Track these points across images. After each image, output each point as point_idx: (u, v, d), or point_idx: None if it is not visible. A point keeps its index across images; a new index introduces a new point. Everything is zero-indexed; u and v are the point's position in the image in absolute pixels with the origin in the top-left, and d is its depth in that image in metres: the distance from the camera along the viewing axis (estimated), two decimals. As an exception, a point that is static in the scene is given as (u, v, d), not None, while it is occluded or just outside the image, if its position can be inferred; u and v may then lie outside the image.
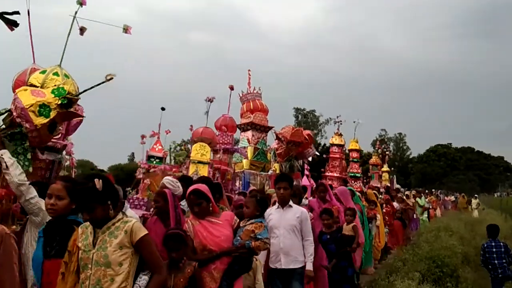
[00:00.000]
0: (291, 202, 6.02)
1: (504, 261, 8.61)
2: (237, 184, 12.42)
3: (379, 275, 8.08)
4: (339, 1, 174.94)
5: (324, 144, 64.70)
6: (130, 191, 9.16)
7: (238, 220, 4.90)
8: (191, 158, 9.66)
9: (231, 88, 12.13)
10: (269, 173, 12.48)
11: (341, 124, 21.82)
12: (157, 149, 9.34)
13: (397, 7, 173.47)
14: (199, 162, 9.45)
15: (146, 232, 3.46)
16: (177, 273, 4.10)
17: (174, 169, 9.12)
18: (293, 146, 12.46)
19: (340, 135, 21.52)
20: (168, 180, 5.42)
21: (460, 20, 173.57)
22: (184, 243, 4.23)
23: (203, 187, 4.73)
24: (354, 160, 23.56)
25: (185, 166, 9.92)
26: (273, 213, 5.94)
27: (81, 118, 6.42)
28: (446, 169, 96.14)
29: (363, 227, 8.93)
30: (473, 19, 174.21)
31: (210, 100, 10.62)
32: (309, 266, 5.81)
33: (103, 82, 5.09)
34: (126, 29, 6.58)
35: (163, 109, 9.76)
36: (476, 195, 35.53)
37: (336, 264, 6.91)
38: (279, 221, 5.85)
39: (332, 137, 21.58)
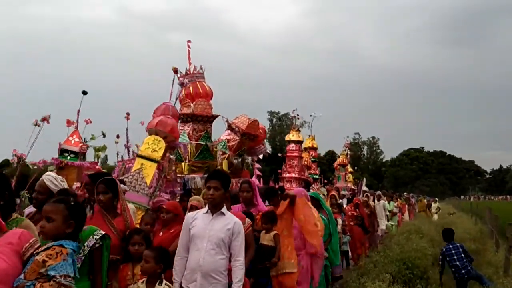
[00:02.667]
0: (224, 208, 4.62)
1: (465, 261, 8.85)
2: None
3: (350, 277, 8.10)
4: (318, 5, 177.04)
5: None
6: (26, 194, 6.87)
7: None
8: (138, 151, 7.78)
9: (175, 71, 9.79)
10: None
11: (297, 118, 20.15)
12: (73, 141, 7.86)
13: (376, 12, 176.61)
14: (147, 158, 7.48)
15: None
16: (136, 264, 4.37)
17: (93, 166, 7.80)
18: (247, 139, 11.24)
19: (298, 130, 19.40)
20: (49, 176, 4.80)
21: (437, 27, 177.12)
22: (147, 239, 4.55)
23: None
24: (312, 159, 21.63)
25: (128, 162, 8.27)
26: (198, 218, 4.58)
27: None
28: (418, 172, 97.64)
29: (332, 235, 7.59)
30: (449, 25, 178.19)
31: (183, 84, 9.01)
32: None
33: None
34: None
35: (84, 93, 8.26)
36: (436, 199, 34.97)
37: (256, 282, 5.67)
38: (204, 231, 4.47)
39: (289, 133, 19.08)
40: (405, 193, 37.50)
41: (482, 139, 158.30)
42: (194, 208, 5.67)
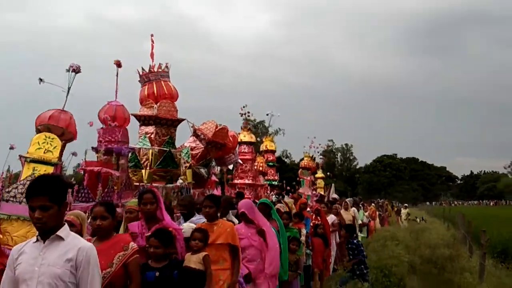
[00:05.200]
0: (61, 230, 3.09)
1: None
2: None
3: (329, 286, 8.11)
4: (291, 15, 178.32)
5: (274, 155, 65.23)
6: None
7: None
8: (27, 155, 6.12)
9: (118, 64, 8.34)
10: (178, 183, 9.05)
11: (248, 116, 17.88)
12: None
13: (347, 22, 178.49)
14: (40, 161, 5.98)
15: None
16: None
17: None
18: (213, 148, 10.30)
19: (249, 130, 17.15)
20: None
21: (407, 36, 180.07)
22: None
23: None
24: (270, 163, 19.28)
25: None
26: (26, 252, 3.09)
27: None
28: (392, 179, 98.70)
29: (282, 249, 6.69)
30: (419, 35, 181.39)
31: (75, 70, 7.12)
32: None
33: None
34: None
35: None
36: (406, 205, 34.26)
37: None
38: (32, 268, 3.00)
39: (239, 133, 16.04)
40: (379, 200, 37.55)
41: (453, 145, 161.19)
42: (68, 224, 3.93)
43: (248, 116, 17.70)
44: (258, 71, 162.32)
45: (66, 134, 6.67)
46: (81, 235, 4.00)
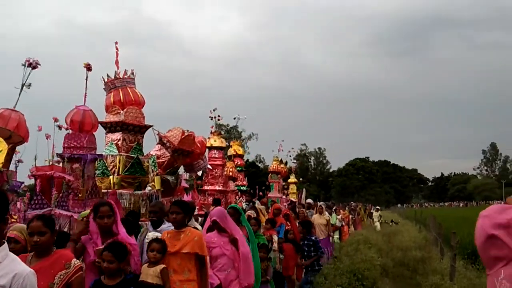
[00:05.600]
0: (2, 251, 2.67)
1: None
2: None
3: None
4: (264, 17, 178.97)
5: (247, 160, 65.19)
6: None
7: None
8: None
9: (88, 67, 7.96)
10: (146, 190, 8.95)
11: (218, 120, 17.36)
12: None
13: (320, 24, 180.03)
14: None
15: None
16: None
17: None
18: (180, 155, 10.07)
19: (219, 134, 16.77)
20: None
21: (379, 40, 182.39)
22: None
23: None
24: (239, 168, 18.78)
25: None
26: None
27: None
28: (364, 182, 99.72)
29: (253, 256, 6.37)
30: (392, 38, 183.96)
31: (31, 64, 6.53)
32: None
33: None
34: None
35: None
36: (378, 207, 34.50)
37: None
38: None
39: (209, 137, 15.71)
40: (352, 203, 37.82)
41: (424, 148, 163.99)
42: (12, 241, 4.15)
43: (218, 119, 17.25)
44: (232, 74, 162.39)
45: (14, 136, 6.10)
46: (27, 252, 3.83)
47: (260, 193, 20.54)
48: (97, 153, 8.02)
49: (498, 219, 1.58)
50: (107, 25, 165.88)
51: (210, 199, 14.10)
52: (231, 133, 71.20)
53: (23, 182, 7.12)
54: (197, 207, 10.36)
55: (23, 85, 6.44)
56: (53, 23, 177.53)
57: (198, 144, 10.69)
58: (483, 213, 1.66)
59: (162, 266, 4.51)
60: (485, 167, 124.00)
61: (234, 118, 21.50)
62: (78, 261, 3.70)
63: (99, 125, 9.19)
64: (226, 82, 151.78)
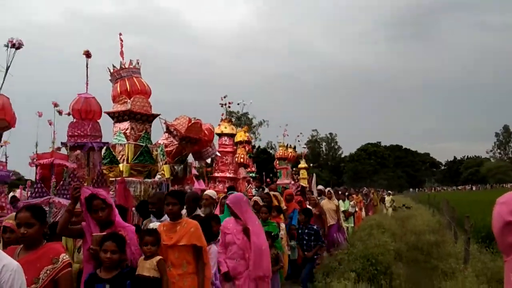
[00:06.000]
0: None
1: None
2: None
3: (316, 277, 8.11)
4: (270, 4, 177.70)
5: (259, 146, 65.30)
6: None
7: None
8: None
9: (87, 54, 7.78)
10: (156, 178, 8.95)
11: (229, 107, 17.04)
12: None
13: (327, 11, 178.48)
14: None
15: None
16: None
17: None
18: (188, 143, 10.02)
19: (230, 121, 16.29)
20: None
21: (386, 26, 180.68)
22: None
23: None
24: (249, 155, 18.88)
25: None
26: None
27: None
28: (376, 166, 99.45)
29: None
30: (398, 24, 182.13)
31: (14, 45, 6.31)
32: None
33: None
34: None
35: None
36: (390, 192, 34.16)
37: None
38: None
39: (219, 124, 15.32)
40: (364, 188, 37.69)
41: (436, 131, 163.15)
42: (8, 230, 4.19)
43: (229, 106, 17.04)
44: (240, 62, 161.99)
45: None
46: None
47: (268, 180, 20.19)
48: (102, 141, 7.95)
49: None
50: (114, 16, 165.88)
51: (221, 186, 14.08)
52: (241, 120, 71.30)
53: (12, 172, 6.80)
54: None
55: (7, 67, 6.24)
56: (60, 15, 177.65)
57: (206, 132, 10.65)
58: (500, 199, 1.65)
59: (158, 257, 4.32)
60: (498, 150, 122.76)
61: (238, 104, 19.47)
62: (66, 256, 3.45)
63: (107, 115, 9.50)
64: (235, 70, 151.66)
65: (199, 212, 6.57)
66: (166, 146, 9.57)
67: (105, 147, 8.54)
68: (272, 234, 7.00)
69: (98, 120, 8.12)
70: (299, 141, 26.42)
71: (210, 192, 7.90)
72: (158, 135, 10.42)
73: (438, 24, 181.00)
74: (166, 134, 10.05)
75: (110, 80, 9.81)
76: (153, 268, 4.24)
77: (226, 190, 10.64)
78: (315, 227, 9.00)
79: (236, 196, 6.14)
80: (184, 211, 5.76)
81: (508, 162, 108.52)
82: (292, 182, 20.62)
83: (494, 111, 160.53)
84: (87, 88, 7.86)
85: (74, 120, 7.86)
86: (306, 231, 8.81)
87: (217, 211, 7.23)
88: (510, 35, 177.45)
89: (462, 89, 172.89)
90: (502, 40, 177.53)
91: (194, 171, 10.76)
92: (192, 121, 9.98)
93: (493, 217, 1.66)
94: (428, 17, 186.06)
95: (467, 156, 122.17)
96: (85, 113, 7.80)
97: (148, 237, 4.36)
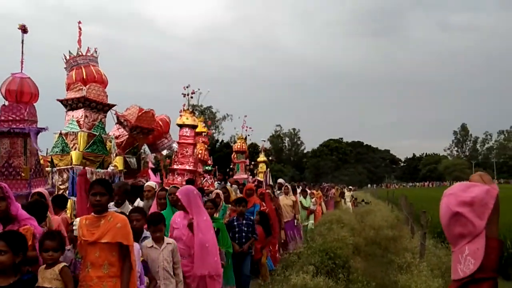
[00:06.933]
0: None
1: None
2: (53, 182, 8.25)
3: (275, 271, 8.15)
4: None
5: (222, 140, 65.13)
6: None
7: None
8: None
9: (23, 29, 7.11)
10: (108, 169, 8.56)
11: (191, 97, 15.14)
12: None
13: (292, 5, 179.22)
14: None
15: None
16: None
17: None
18: (139, 134, 9.84)
19: (192, 112, 14.93)
20: None
21: (352, 20, 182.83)
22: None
23: None
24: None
25: None
26: None
27: None
28: (338, 162, 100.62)
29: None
30: (364, 19, 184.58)
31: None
32: None
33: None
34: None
35: None
36: (351, 187, 34.65)
37: None
38: None
39: (181, 115, 13.91)
40: (324, 184, 37.96)
41: (397, 128, 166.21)
42: None
43: (191, 97, 16.69)
44: (204, 55, 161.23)
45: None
46: None
47: (231, 173, 19.84)
48: (39, 126, 7.02)
49: (463, 196, 1.61)
50: (79, 5, 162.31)
51: (179, 178, 13.63)
52: (205, 114, 70.85)
53: None
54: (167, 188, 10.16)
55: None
56: (23, 4, 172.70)
57: (160, 122, 10.51)
58: (448, 191, 1.70)
59: (62, 265, 3.72)
60: (456, 148, 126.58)
61: (193, 92, 18.55)
62: None
63: (60, 103, 9.24)
64: (198, 63, 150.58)
65: (141, 204, 6.38)
66: (116, 138, 9.37)
67: (58, 135, 8.33)
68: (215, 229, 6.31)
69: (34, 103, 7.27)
70: (249, 135, 25.35)
71: (151, 183, 7.61)
72: (110, 127, 10.23)
73: (401, 20, 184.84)
74: (117, 125, 9.85)
75: (65, 68, 9.51)
76: (56, 278, 3.63)
77: (184, 183, 10.40)
78: (252, 217, 8.29)
79: (187, 188, 5.78)
80: (111, 203, 5.45)
81: (465, 160, 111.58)
82: (250, 177, 19.93)
83: (453, 110, 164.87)
84: (22, 67, 7.04)
85: (7, 102, 6.98)
86: (244, 221, 7.91)
87: (153, 204, 6.62)
88: (470, 35, 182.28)
89: (423, 86, 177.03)
90: (462, 40, 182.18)
91: (150, 164, 10.52)
92: (144, 111, 9.77)
93: (440, 208, 1.69)
94: (392, 14, 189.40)
95: (426, 153, 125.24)
96: (20, 95, 6.91)
97: (48, 242, 3.70)
